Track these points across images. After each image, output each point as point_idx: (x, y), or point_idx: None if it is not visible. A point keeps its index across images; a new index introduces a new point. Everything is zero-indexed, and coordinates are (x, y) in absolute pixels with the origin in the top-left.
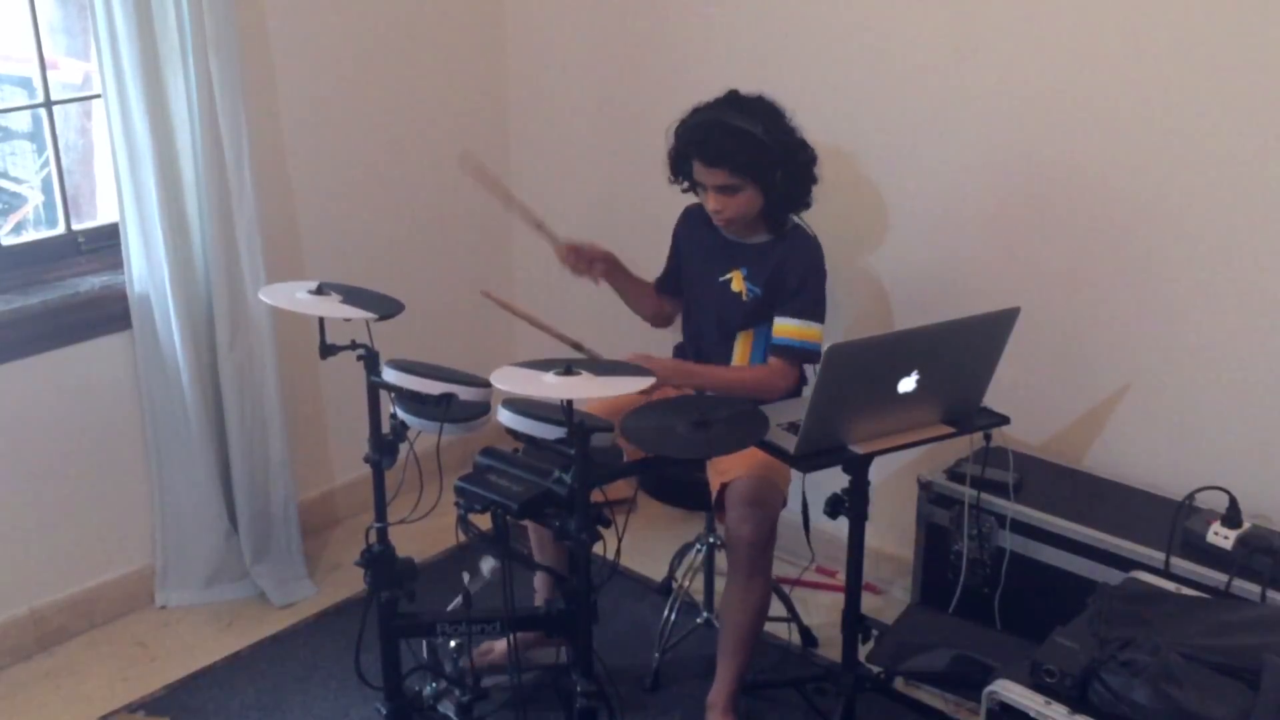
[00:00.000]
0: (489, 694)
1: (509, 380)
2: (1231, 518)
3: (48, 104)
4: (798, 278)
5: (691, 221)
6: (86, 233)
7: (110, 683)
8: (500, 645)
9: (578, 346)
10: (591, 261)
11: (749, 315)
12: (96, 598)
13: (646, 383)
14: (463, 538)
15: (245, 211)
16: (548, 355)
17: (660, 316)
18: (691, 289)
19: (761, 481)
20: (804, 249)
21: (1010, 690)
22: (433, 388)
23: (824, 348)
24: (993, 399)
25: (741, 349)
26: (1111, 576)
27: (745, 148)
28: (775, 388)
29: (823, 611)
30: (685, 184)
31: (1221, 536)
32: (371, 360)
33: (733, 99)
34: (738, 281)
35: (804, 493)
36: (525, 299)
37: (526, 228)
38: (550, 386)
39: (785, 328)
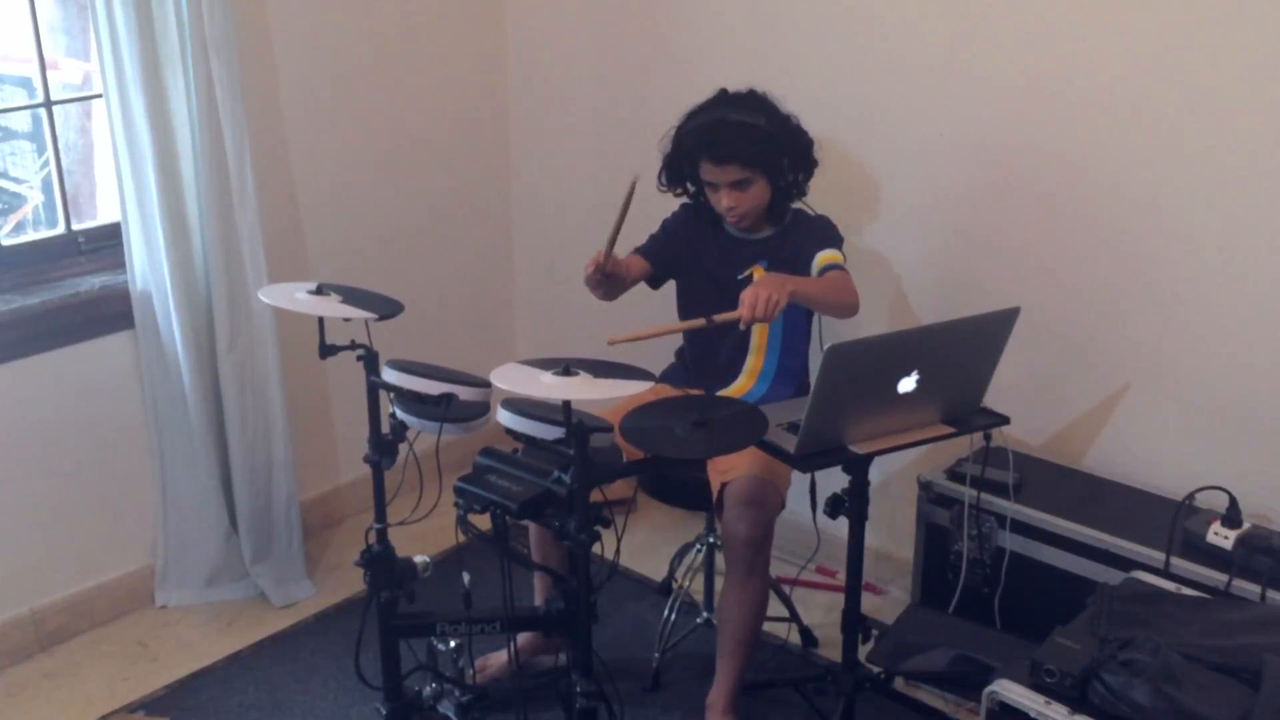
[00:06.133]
0: (489, 694)
1: (509, 380)
2: (1231, 518)
3: (48, 104)
4: (814, 233)
5: (693, 223)
6: (87, 233)
7: (110, 683)
8: (498, 659)
9: (710, 320)
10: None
11: None
12: (97, 598)
13: (644, 386)
14: (463, 538)
15: (246, 211)
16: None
17: (625, 286)
18: (704, 291)
19: (760, 481)
20: (814, 222)
21: (1010, 690)
22: (432, 388)
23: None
24: (993, 399)
25: (759, 337)
26: (1111, 576)
27: (752, 140)
28: (854, 290)
29: (823, 611)
30: (680, 190)
31: (1221, 536)
32: (371, 360)
33: (725, 97)
34: (759, 275)
35: (812, 480)
36: (525, 299)
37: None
38: (549, 387)
39: (825, 257)
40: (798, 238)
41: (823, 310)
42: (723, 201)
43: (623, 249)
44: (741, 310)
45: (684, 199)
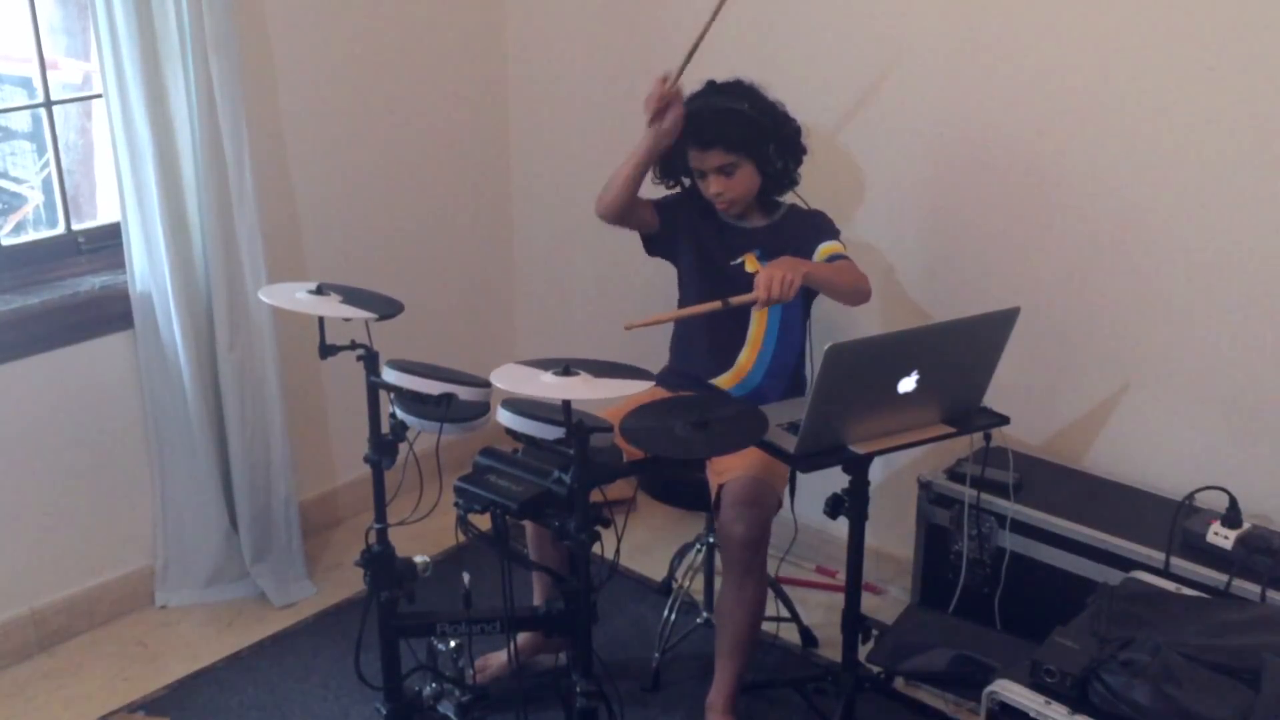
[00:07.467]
0: (489, 694)
1: (509, 380)
2: (1231, 518)
3: (48, 104)
4: (811, 226)
5: (692, 209)
6: (87, 233)
7: (110, 682)
8: (498, 658)
9: (725, 302)
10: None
11: None
12: (97, 598)
13: (644, 385)
14: (463, 538)
15: (246, 211)
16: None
17: (631, 212)
18: (697, 279)
19: (757, 482)
20: (809, 215)
21: (1010, 690)
22: (433, 388)
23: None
24: (993, 399)
25: (757, 325)
26: (1111, 576)
27: (735, 124)
28: (864, 276)
29: (823, 611)
30: (674, 184)
31: (1221, 536)
32: (371, 360)
33: (712, 86)
34: (752, 264)
35: (792, 479)
36: (525, 299)
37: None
38: (549, 387)
39: (828, 248)
40: (794, 231)
41: (835, 294)
42: (711, 187)
43: None
44: (758, 292)
45: (678, 191)
